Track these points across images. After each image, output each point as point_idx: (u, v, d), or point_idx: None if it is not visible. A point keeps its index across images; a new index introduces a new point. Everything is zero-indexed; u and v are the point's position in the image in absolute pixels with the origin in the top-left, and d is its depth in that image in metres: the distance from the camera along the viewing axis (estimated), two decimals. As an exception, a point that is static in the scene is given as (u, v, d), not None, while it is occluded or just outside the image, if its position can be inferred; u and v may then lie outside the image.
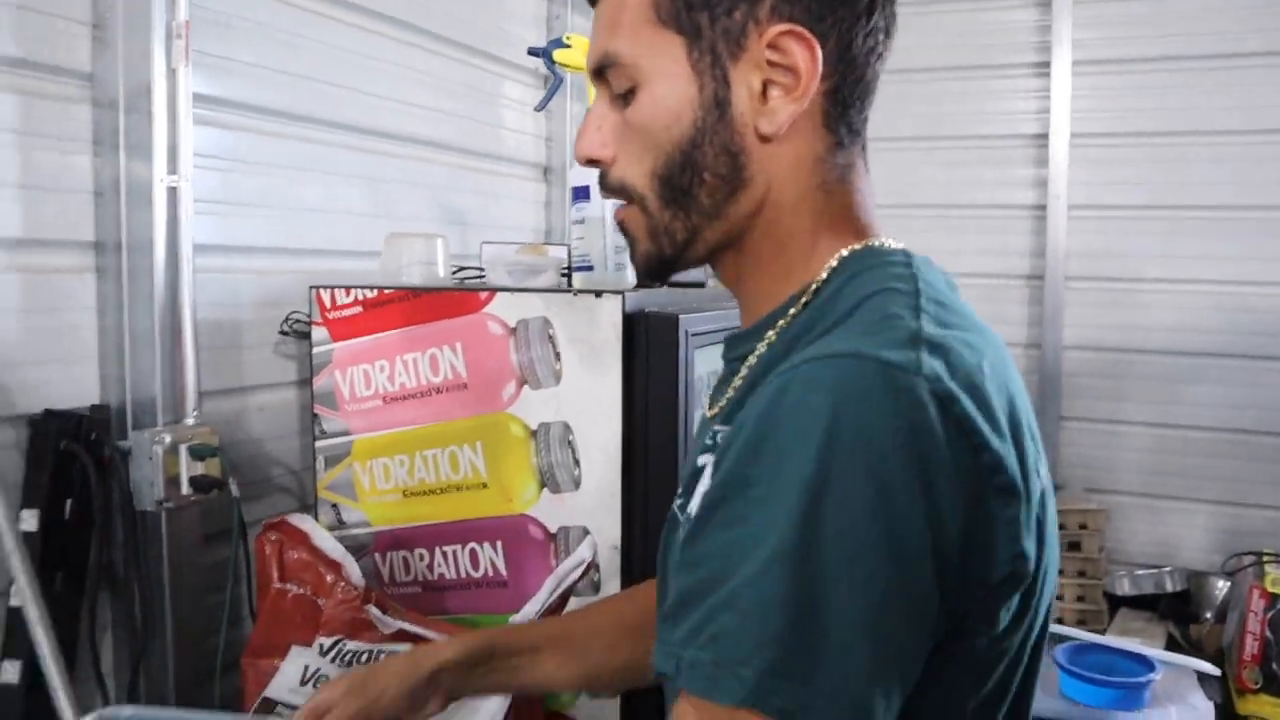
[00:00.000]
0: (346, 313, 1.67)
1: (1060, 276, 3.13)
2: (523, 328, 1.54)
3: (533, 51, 2.07)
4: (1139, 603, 3.06)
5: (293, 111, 1.94)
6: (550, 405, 1.53)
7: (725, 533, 0.62)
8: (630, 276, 1.60)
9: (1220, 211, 2.99)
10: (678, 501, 0.81)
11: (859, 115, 0.80)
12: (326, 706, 0.95)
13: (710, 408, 0.86)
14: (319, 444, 1.72)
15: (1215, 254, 3.01)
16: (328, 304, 1.69)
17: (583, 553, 1.43)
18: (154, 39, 1.57)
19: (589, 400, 1.50)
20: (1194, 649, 2.73)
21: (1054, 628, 2.62)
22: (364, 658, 1.49)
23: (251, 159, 1.86)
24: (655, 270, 0.85)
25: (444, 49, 2.39)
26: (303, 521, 1.57)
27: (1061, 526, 2.99)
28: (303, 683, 1.45)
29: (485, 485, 1.58)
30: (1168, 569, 3.05)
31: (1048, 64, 3.11)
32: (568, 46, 1.98)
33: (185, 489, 1.57)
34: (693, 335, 1.50)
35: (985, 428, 0.63)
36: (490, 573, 1.59)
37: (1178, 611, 2.98)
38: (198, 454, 1.58)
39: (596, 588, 1.52)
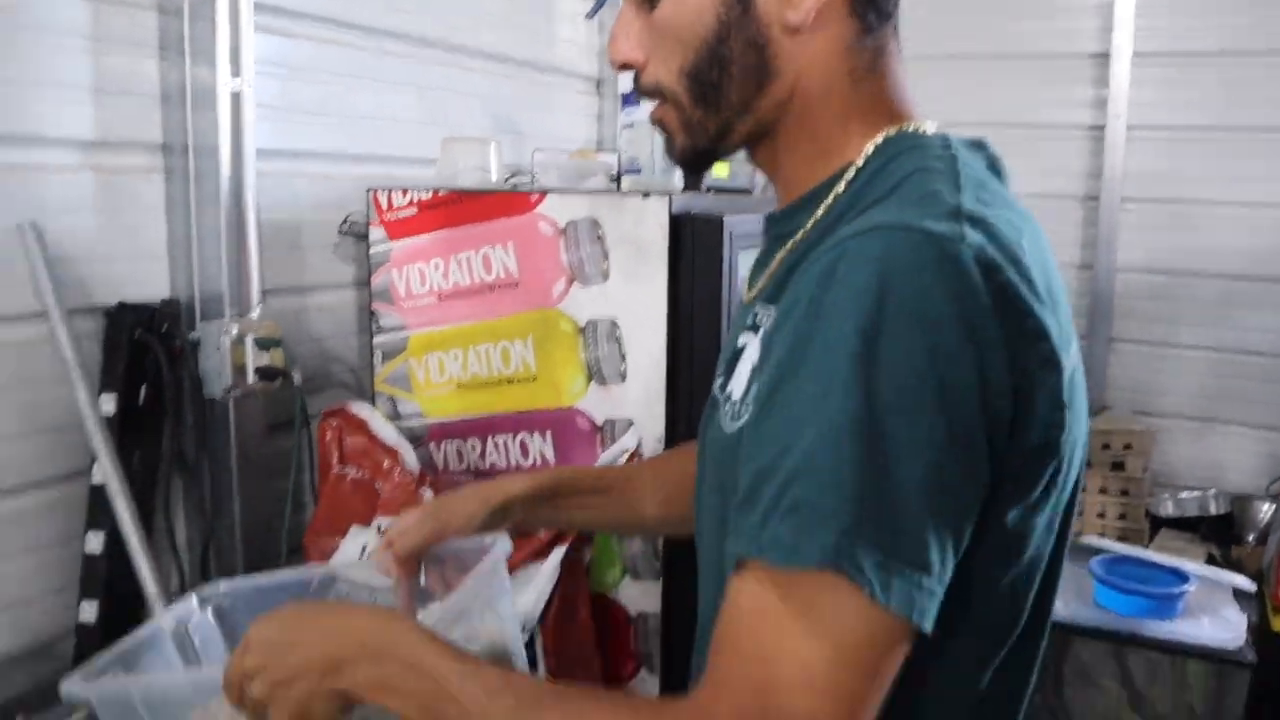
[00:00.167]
0: (403, 214, 1.73)
1: (1116, 197, 3.07)
2: (572, 228, 1.59)
3: (583, -40, 2.08)
4: (1181, 524, 3.07)
5: (351, 20, 1.97)
6: (598, 302, 1.58)
7: (788, 410, 0.64)
8: (678, 180, 1.63)
9: (1282, 134, 2.91)
10: (718, 382, 0.84)
11: None
12: (401, 533, 0.99)
13: (748, 289, 0.89)
14: (376, 339, 1.79)
15: (1277, 176, 2.94)
16: (385, 205, 1.75)
17: (627, 442, 1.50)
18: (216, -53, 1.61)
19: (635, 297, 1.55)
20: (1234, 570, 2.74)
21: (1092, 540, 2.65)
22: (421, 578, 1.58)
23: (311, 66, 1.91)
24: (692, 162, 0.88)
25: (498, -41, 2.40)
26: (361, 409, 1.65)
27: (1106, 447, 2.99)
28: (361, 559, 1.54)
29: (535, 378, 1.64)
30: (1212, 491, 3.04)
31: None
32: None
33: (251, 378, 1.65)
34: (737, 237, 1.53)
35: (1029, 297, 0.66)
36: (539, 461, 1.66)
37: (1220, 534, 2.98)
38: (262, 345, 1.66)
39: (640, 478, 1.58)
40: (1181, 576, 2.32)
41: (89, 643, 1.57)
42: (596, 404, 1.61)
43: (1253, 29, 2.90)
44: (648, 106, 0.88)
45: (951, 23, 3.09)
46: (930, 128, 0.81)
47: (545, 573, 1.53)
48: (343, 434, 1.62)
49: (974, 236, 0.65)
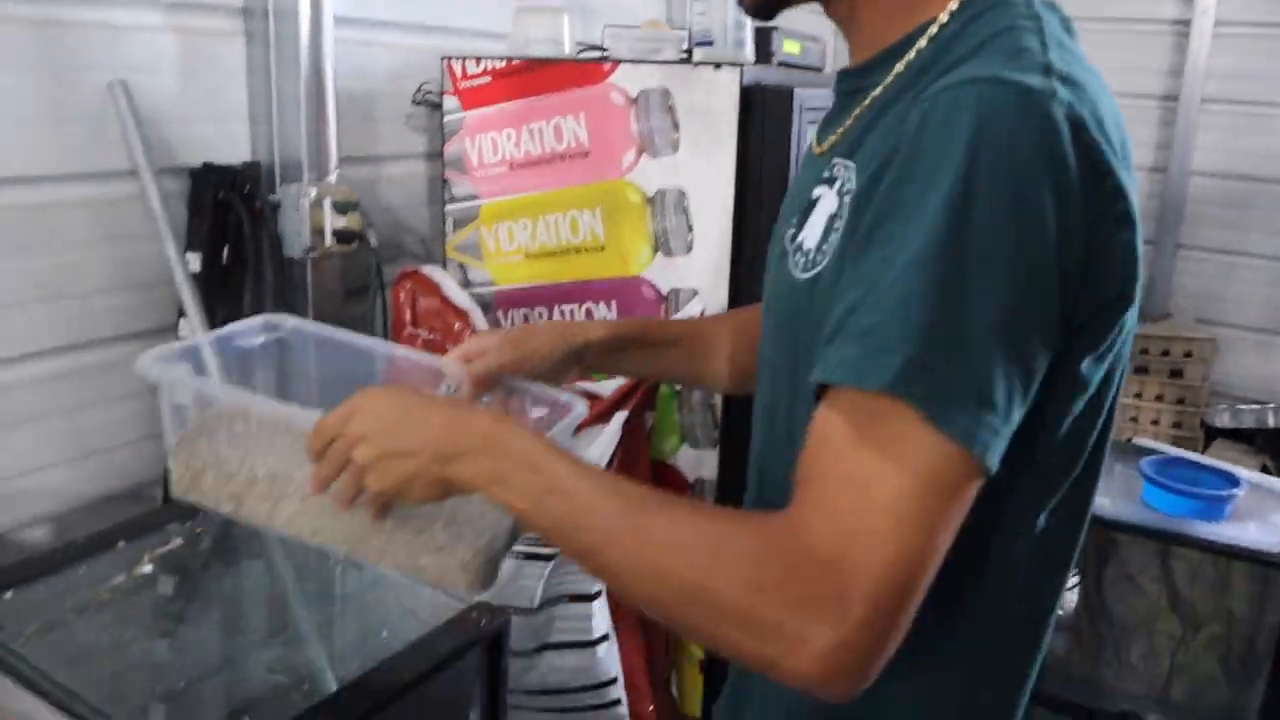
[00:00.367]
0: (476, 83, 1.75)
1: (1196, 97, 2.99)
2: (643, 98, 1.60)
3: None
4: (1236, 436, 3.06)
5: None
6: (667, 173, 1.60)
7: (879, 251, 0.66)
8: (749, 52, 1.63)
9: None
10: (789, 233, 0.85)
11: None
12: (480, 352, 0.99)
13: (819, 144, 0.90)
14: (448, 207, 1.84)
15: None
16: (459, 74, 1.77)
17: (692, 311, 1.53)
18: None
19: (704, 169, 1.57)
20: (1287, 481, 2.74)
21: (1145, 441, 2.65)
22: (484, 399, 1.65)
23: (386, -64, 1.92)
24: (763, 8, 0.89)
25: None
26: (434, 272, 1.71)
27: (1166, 353, 2.97)
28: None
29: (603, 248, 1.68)
30: (1271, 405, 3.01)
31: None
32: None
33: (329, 240, 1.71)
34: (806, 110, 1.53)
35: (1110, 156, 0.68)
36: (603, 329, 1.70)
37: (1275, 446, 2.97)
38: (340, 208, 1.71)
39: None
40: (1232, 480, 2.32)
41: (177, 486, 1.67)
42: (662, 273, 1.65)
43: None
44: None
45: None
46: None
47: (607, 436, 1.59)
48: (416, 296, 1.68)
49: (1064, 93, 0.66)
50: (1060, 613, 2.05)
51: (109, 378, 1.60)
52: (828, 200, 0.79)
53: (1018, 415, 0.66)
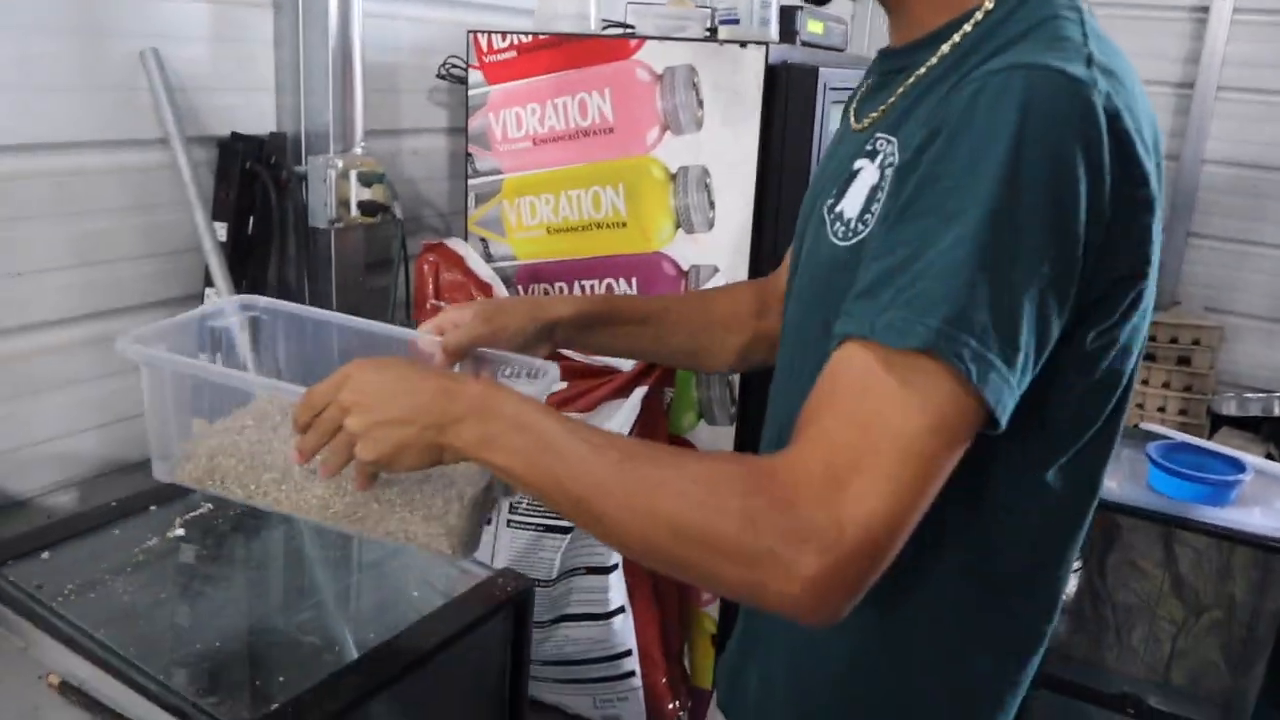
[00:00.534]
0: (502, 57, 1.76)
1: (1212, 85, 2.99)
2: (669, 75, 1.61)
3: None
4: (1242, 424, 3.08)
5: None
6: (691, 150, 1.61)
7: (920, 220, 0.70)
8: (773, 30, 1.64)
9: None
10: (827, 203, 0.88)
11: None
12: (453, 324, 0.99)
13: (857, 121, 0.93)
14: (471, 182, 1.85)
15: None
16: (485, 48, 1.78)
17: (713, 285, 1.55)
18: None
19: (728, 146, 1.58)
20: (1293, 469, 2.76)
21: (1153, 427, 2.67)
22: (506, 371, 1.67)
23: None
24: None
25: None
26: (458, 245, 1.72)
27: (1174, 340, 2.99)
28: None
29: (624, 224, 1.70)
30: (1277, 394, 3.04)
31: None
32: None
33: (354, 211, 1.73)
34: (830, 89, 1.54)
35: (1140, 146, 0.72)
36: (624, 305, 1.72)
37: (1280, 435, 3.00)
38: (365, 180, 1.72)
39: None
40: (1239, 466, 2.34)
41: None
42: (683, 250, 1.66)
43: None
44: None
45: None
46: None
47: (626, 411, 1.62)
48: (439, 269, 1.69)
49: (1103, 84, 0.71)
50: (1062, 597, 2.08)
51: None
52: (869, 173, 0.83)
53: (1029, 378, 0.71)
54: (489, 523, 1.62)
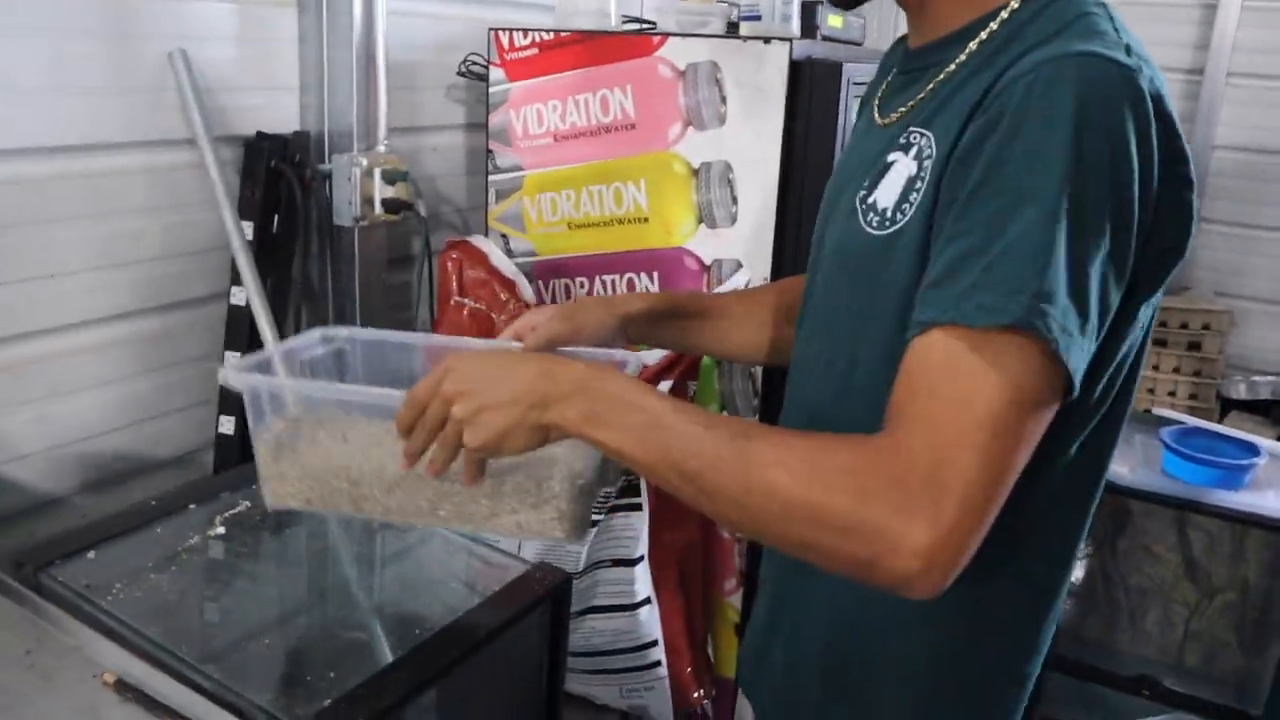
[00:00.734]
0: (523, 54, 1.77)
1: (1222, 71, 3.00)
2: (691, 71, 1.62)
3: None
4: (1252, 407, 3.09)
5: None
6: (713, 145, 1.63)
7: (988, 206, 0.73)
8: (795, 26, 1.65)
9: None
10: (859, 194, 0.90)
11: None
12: (531, 326, 1.01)
13: (882, 116, 0.95)
14: (492, 178, 1.86)
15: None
16: (506, 45, 1.79)
17: (736, 280, 1.56)
18: None
19: (750, 141, 1.59)
20: (1304, 453, 2.77)
21: (1163, 411, 2.69)
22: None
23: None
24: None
25: None
26: (481, 242, 1.74)
27: (1184, 326, 3.01)
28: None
29: (646, 220, 1.71)
30: (1288, 377, 3.06)
31: None
32: None
33: (378, 209, 1.74)
34: (854, 84, 1.56)
35: (1178, 126, 0.76)
36: (648, 299, 1.73)
37: (1291, 418, 3.01)
38: (389, 178, 1.74)
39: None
40: (1252, 450, 2.35)
41: (227, 453, 1.71)
42: (705, 244, 1.68)
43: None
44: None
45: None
46: None
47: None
48: (463, 266, 1.71)
49: (1146, 70, 0.75)
50: (1073, 581, 2.09)
51: (161, 345, 1.63)
52: (904, 165, 0.85)
53: (1094, 348, 0.75)
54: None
